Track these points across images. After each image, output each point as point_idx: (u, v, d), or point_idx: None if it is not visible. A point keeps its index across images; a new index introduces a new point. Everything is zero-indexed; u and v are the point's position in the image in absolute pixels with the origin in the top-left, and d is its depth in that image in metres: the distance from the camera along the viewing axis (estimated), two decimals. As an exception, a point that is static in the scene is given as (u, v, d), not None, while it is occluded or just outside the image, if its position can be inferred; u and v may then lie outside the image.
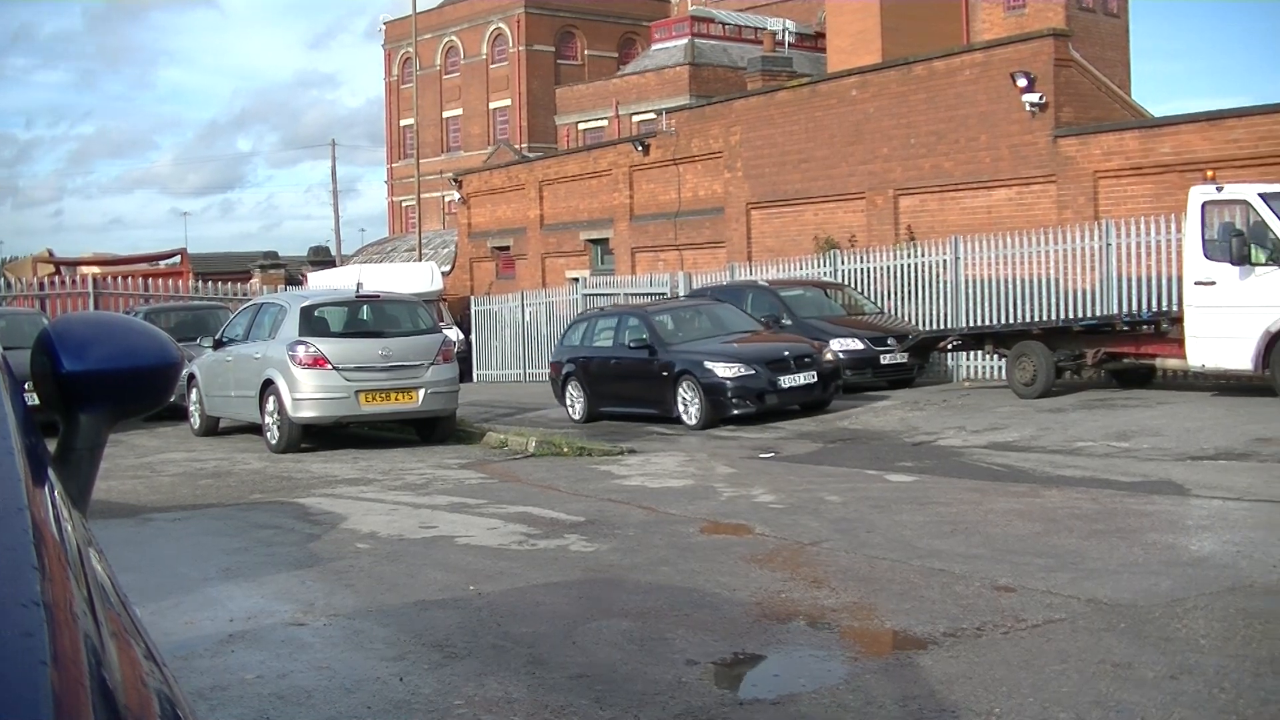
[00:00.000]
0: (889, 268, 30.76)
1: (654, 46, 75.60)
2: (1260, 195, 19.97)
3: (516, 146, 75.40)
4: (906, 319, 29.41)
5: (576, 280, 42.26)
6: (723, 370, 22.79)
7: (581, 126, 75.54)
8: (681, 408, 23.24)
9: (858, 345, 26.17)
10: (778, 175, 38.88)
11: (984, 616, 8.29)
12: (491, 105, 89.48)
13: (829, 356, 23.81)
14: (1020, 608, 8.46)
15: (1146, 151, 29.08)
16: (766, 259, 36.79)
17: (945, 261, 29.22)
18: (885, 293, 30.46)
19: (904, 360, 26.34)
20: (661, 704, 6.90)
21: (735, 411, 22.72)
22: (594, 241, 47.33)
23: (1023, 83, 31.27)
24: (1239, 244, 19.42)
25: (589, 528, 12.76)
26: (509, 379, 42.00)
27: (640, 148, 44.59)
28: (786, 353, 23.22)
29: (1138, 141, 29.44)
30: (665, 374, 23.72)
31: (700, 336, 24.63)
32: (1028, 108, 31.39)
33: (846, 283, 31.03)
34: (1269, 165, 25.64)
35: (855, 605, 8.96)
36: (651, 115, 66.10)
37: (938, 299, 29.18)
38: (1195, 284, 20.25)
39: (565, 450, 19.58)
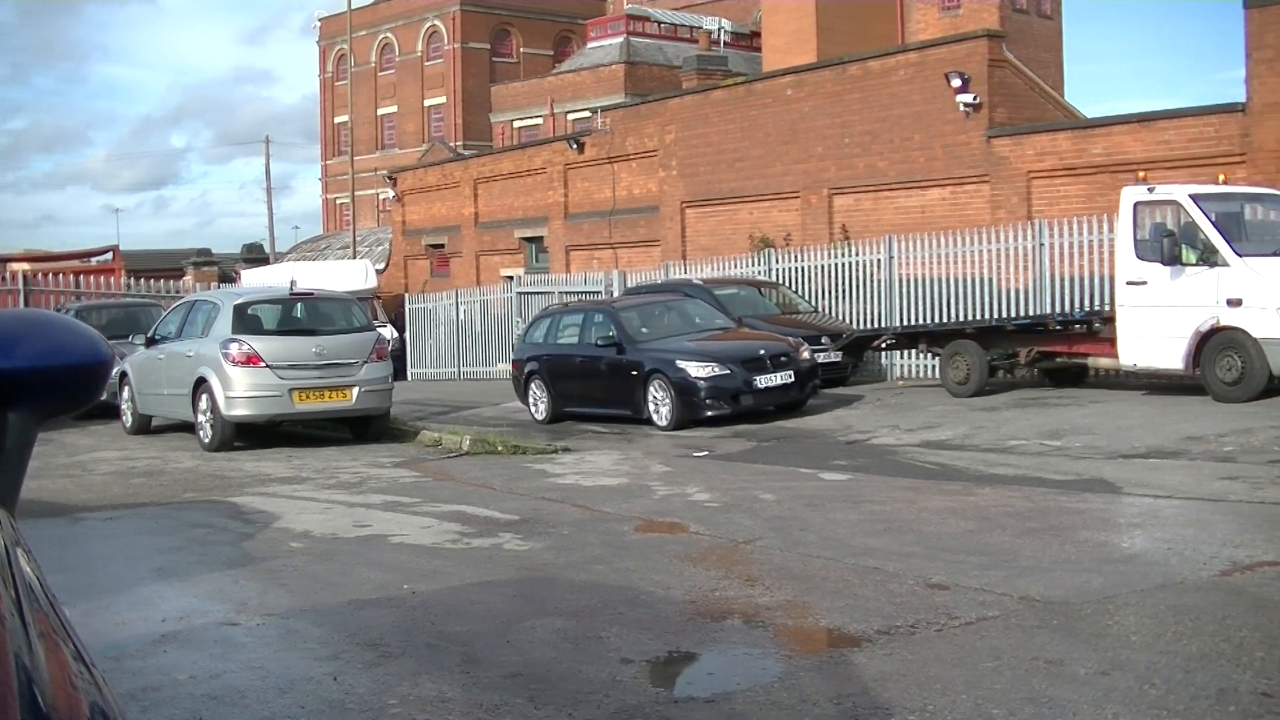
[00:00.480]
0: (823, 267, 30.83)
1: (590, 45, 75.57)
2: (1191, 196, 20.11)
3: (451, 144, 75.20)
4: (841, 318, 29.48)
5: (511, 278, 42.21)
6: (696, 369, 21.92)
7: (517, 124, 75.48)
8: (652, 408, 22.33)
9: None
10: (713, 174, 38.91)
11: (918, 614, 8.31)
12: (427, 102, 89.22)
13: (805, 355, 22.92)
14: (954, 605, 8.49)
15: (1079, 152, 29.25)
16: (701, 258, 36.83)
17: (879, 261, 29.31)
18: (820, 292, 30.52)
19: (838, 359, 26.38)
20: (596, 703, 6.89)
21: (709, 413, 21.84)
22: (529, 240, 47.25)
23: (957, 83, 31.39)
24: (1170, 244, 19.55)
25: (524, 526, 12.74)
26: (443, 377, 41.91)
27: (575, 146, 44.55)
28: (762, 351, 22.36)
29: (1070, 142, 29.61)
30: (634, 373, 22.80)
31: (671, 334, 23.75)
32: (962, 108, 31.51)
33: (781, 282, 31.08)
34: (1199, 166, 25.82)
35: (790, 603, 8.97)
36: (587, 113, 66.07)
37: (872, 298, 29.27)
38: (1127, 284, 20.38)
39: (500, 449, 19.54)
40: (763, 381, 21.87)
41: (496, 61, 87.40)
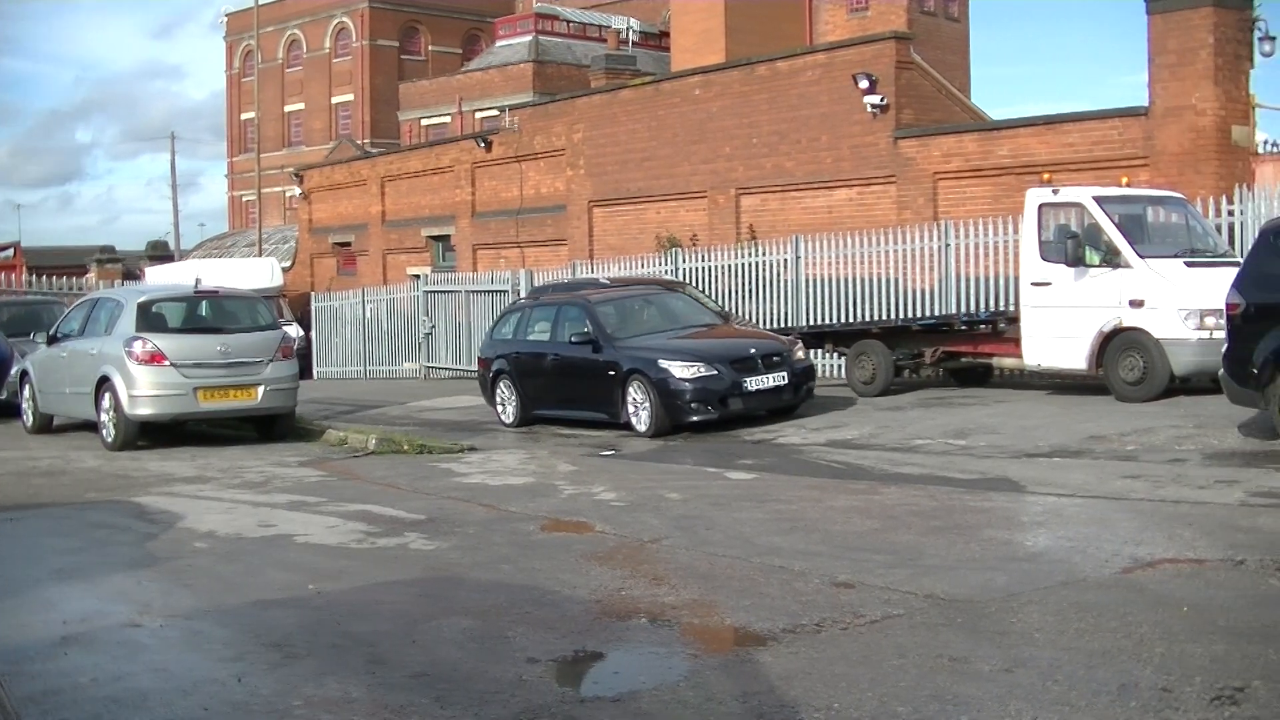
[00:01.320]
0: (730, 266, 30.89)
1: (498, 43, 75.42)
2: (1095, 198, 20.31)
3: (359, 142, 75.02)
4: (748, 318, 29.53)
5: (418, 277, 42.08)
6: (680, 370, 19.99)
7: (425, 122, 75.22)
8: (631, 412, 20.48)
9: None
10: (620, 173, 38.92)
11: (823, 612, 8.34)
12: (334, 100, 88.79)
13: (800, 354, 21.42)
14: (859, 604, 8.53)
15: (985, 154, 29.47)
16: (609, 257, 36.87)
17: (786, 260, 29.40)
18: (726, 291, 30.56)
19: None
20: (502, 702, 6.87)
21: (694, 418, 19.95)
22: (436, 238, 47.11)
23: (864, 84, 31.56)
24: (1074, 246, 19.73)
25: (430, 526, 12.69)
26: (350, 376, 41.72)
27: (483, 144, 44.47)
28: (753, 350, 20.56)
29: (977, 144, 29.83)
30: (612, 373, 20.85)
31: (652, 330, 22.02)
32: (869, 109, 31.68)
33: (688, 281, 31.10)
34: (1103, 169, 26.07)
35: (696, 602, 8.98)
36: (495, 112, 65.87)
37: (778, 298, 29.35)
38: (1031, 284, 20.55)
39: (406, 448, 19.45)
40: (754, 384, 20.15)
41: (405, 59, 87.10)
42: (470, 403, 27.42)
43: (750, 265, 30.33)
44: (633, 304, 23.12)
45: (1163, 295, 18.95)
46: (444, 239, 46.72)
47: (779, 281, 29.60)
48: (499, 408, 23.58)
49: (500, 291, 35.62)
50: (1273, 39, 26.83)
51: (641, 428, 20.27)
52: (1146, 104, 26.58)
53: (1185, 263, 19.52)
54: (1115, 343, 19.41)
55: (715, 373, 19.99)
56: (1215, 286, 16.75)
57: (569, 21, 73.57)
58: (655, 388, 20.08)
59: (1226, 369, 14.86)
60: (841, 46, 34.70)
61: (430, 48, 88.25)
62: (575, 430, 21.44)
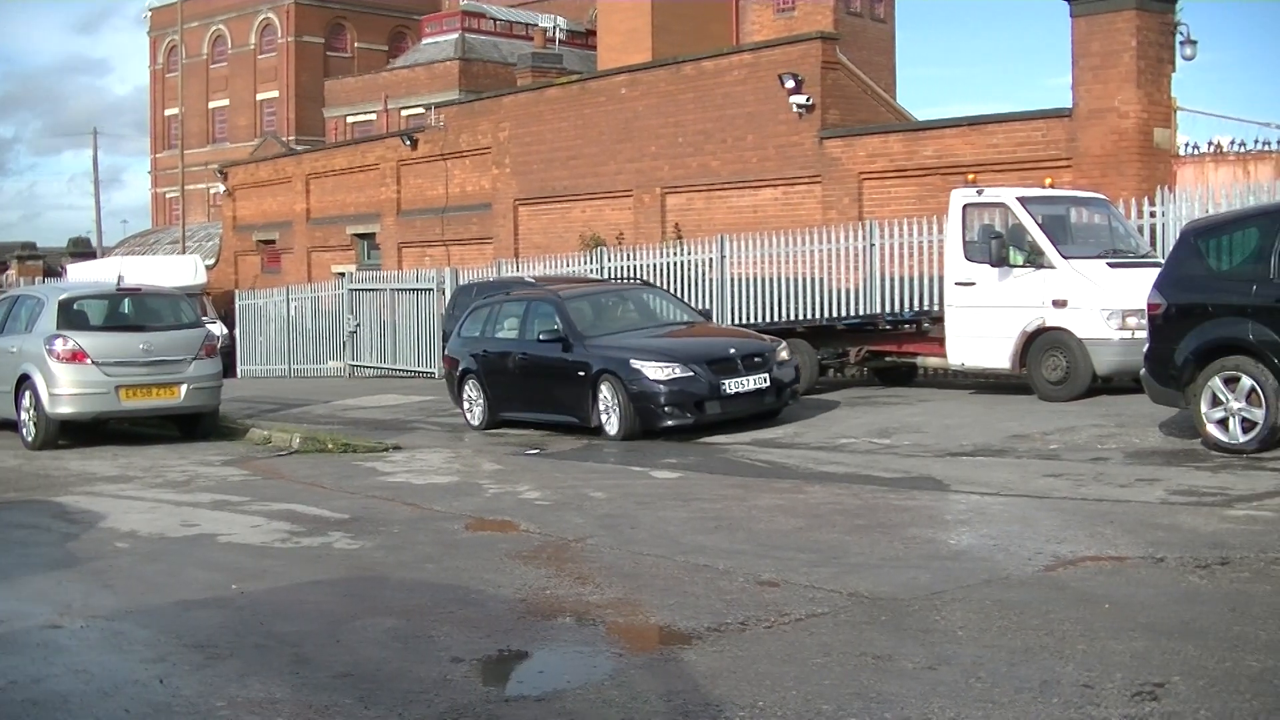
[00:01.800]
0: (656, 265, 30.90)
1: (424, 40, 75.26)
2: (1019, 199, 20.41)
3: (284, 139, 74.57)
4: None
5: (343, 275, 41.96)
6: (654, 371, 18.81)
7: (350, 120, 75.03)
8: (602, 416, 19.40)
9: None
10: (546, 172, 38.89)
11: (748, 611, 8.35)
12: (259, 96, 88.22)
13: (784, 355, 19.91)
14: (783, 602, 8.54)
15: (910, 154, 29.60)
16: (534, 255, 36.83)
17: (711, 260, 29.44)
18: (654, 290, 30.55)
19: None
20: (427, 702, 6.84)
21: (668, 423, 18.82)
22: (361, 236, 46.96)
23: (790, 84, 31.62)
24: (998, 246, 19.82)
25: (354, 525, 12.63)
26: (274, 374, 41.53)
27: (409, 142, 44.36)
28: (733, 350, 19.35)
29: (902, 144, 29.95)
30: (581, 374, 19.71)
31: (625, 328, 20.92)
32: (795, 109, 31.75)
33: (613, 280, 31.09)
34: (1027, 170, 26.22)
35: (620, 601, 8.98)
36: (421, 110, 65.75)
37: (704, 297, 29.36)
38: (956, 284, 20.64)
39: (330, 446, 19.35)
40: (732, 386, 18.89)
41: (331, 56, 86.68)
42: (395, 401, 27.35)
43: (675, 265, 30.37)
44: (607, 300, 22.12)
45: (1085, 295, 19.06)
46: (369, 237, 46.57)
47: (704, 281, 29.64)
48: (466, 410, 22.41)
49: (426, 290, 35.57)
50: (1194, 43, 27.04)
51: (612, 431, 19.23)
52: (1070, 106, 26.76)
53: (1108, 263, 19.64)
54: (1038, 342, 19.51)
55: (691, 374, 18.82)
56: (1137, 287, 16.87)
57: (496, 19, 73.52)
58: (627, 389, 18.94)
59: (1148, 369, 14.98)
60: (768, 46, 34.79)
61: (356, 44, 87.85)
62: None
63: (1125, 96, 25.86)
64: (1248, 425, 13.85)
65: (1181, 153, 26.94)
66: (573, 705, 6.69)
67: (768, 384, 19.22)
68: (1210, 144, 27.30)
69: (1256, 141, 26.63)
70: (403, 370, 36.32)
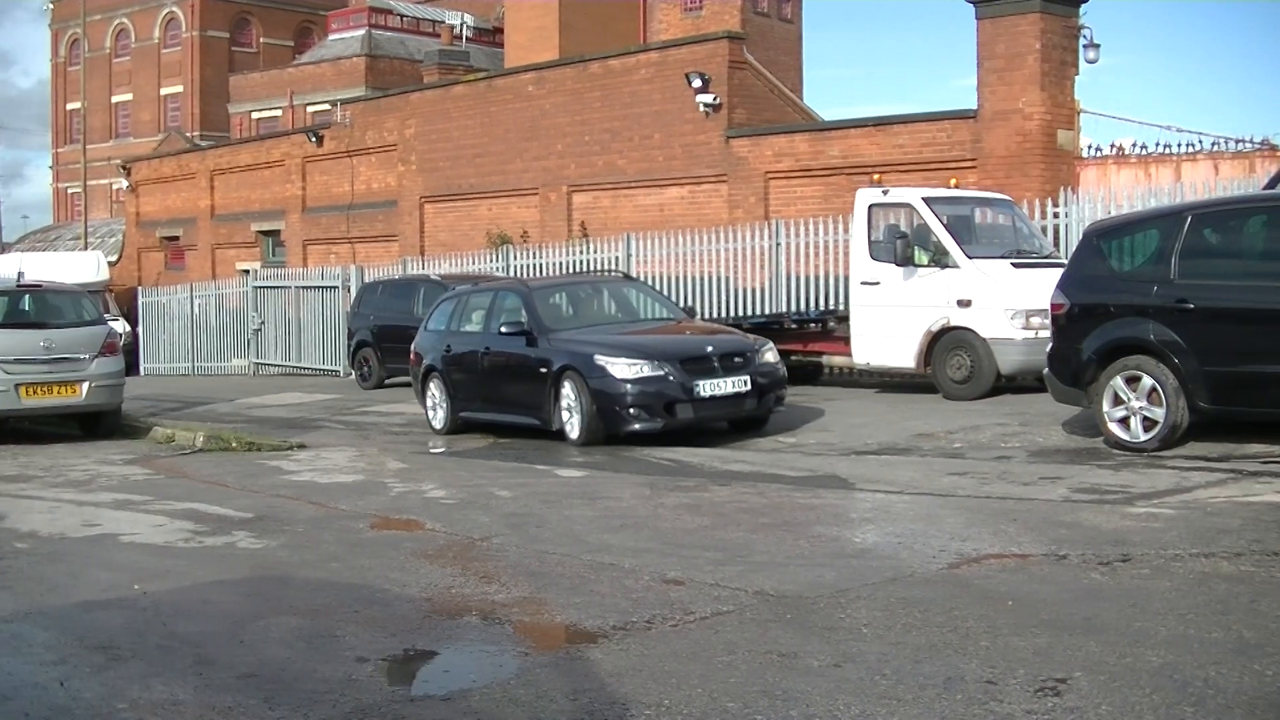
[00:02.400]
0: (561, 264, 30.93)
1: (331, 37, 74.86)
2: (924, 199, 20.53)
3: (188, 134, 73.93)
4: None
5: (247, 272, 41.71)
6: (619, 368, 17.27)
7: (255, 116, 74.50)
8: (565, 417, 17.86)
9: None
10: (452, 169, 38.80)
11: (653, 609, 8.34)
12: (163, 91, 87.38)
13: (769, 357, 18.15)
14: (689, 600, 8.53)
15: (816, 154, 29.72)
16: (440, 253, 36.76)
17: (618, 258, 29.48)
18: (559, 288, 30.52)
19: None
20: (332, 702, 6.78)
21: (635, 426, 17.24)
22: (266, 233, 46.72)
23: (697, 83, 31.72)
24: (903, 246, 19.93)
25: (258, 524, 12.52)
26: (178, 372, 41.24)
27: (314, 139, 44.15)
28: (710, 349, 17.73)
29: (808, 144, 30.08)
30: (543, 370, 18.11)
31: (599, 323, 19.48)
32: (702, 108, 31.84)
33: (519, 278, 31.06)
34: (932, 170, 26.42)
35: (526, 600, 8.94)
36: (327, 106, 65.34)
37: (611, 296, 29.34)
38: (861, 284, 20.73)
39: (234, 445, 19.22)
40: (707, 388, 17.23)
41: (236, 51, 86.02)
42: (300, 399, 27.20)
43: (582, 263, 30.37)
44: (580, 293, 20.69)
45: (990, 295, 19.20)
46: (274, 234, 46.34)
47: (612, 279, 29.62)
48: (429, 411, 20.79)
49: (331, 288, 35.45)
50: (1097, 46, 27.32)
51: (574, 435, 17.74)
52: (975, 107, 26.96)
53: (1012, 264, 19.79)
54: (943, 342, 19.64)
55: (661, 373, 17.20)
56: (1041, 287, 17.02)
57: (403, 16, 73.23)
58: (589, 388, 17.40)
59: (1051, 368, 15.10)
60: (675, 45, 34.86)
61: (262, 40, 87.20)
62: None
63: (1029, 98, 26.09)
64: (1149, 424, 13.99)
65: (1085, 155, 27.21)
66: (479, 704, 6.65)
67: (748, 387, 17.57)
68: (1113, 146, 27.61)
69: (1157, 144, 26.95)
70: (308, 368, 36.15)
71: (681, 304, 23.81)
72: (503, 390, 19.38)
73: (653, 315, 19.95)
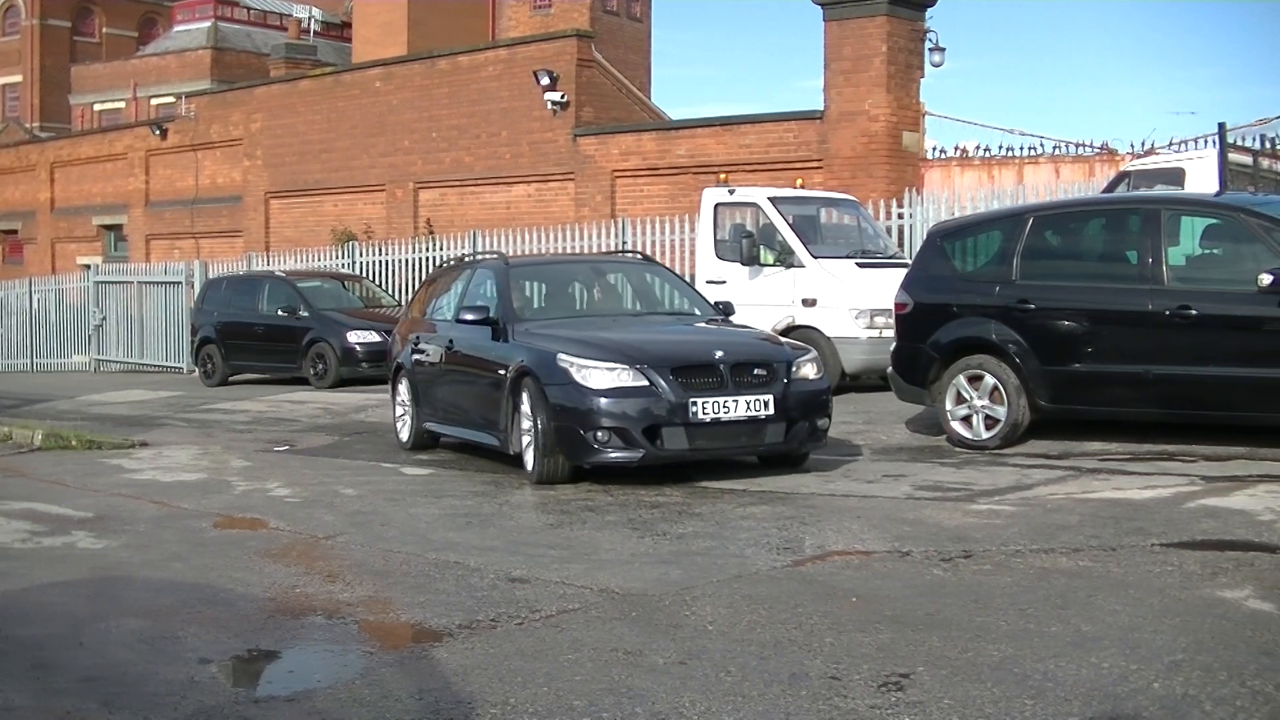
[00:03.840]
0: (407, 261, 30.83)
1: (176, 28, 74.00)
2: (770, 199, 20.67)
3: (27, 125, 72.73)
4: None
5: (89, 267, 41.12)
6: (587, 373, 12.83)
7: (98, 107, 73.42)
8: (522, 439, 13.65)
9: (375, 338, 26.02)
10: (298, 165, 38.52)
11: (499, 608, 8.31)
12: (1, 81, 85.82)
13: (810, 370, 13.47)
14: (534, 599, 8.51)
15: (663, 153, 29.84)
16: (285, 249, 36.46)
17: (462, 256, 29.39)
18: (405, 286, 30.46)
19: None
20: (174, 704, 6.68)
21: (608, 456, 12.80)
22: (108, 227, 46.09)
23: (545, 81, 31.75)
24: (749, 245, 20.04)
25: (98, 524, 12.31)
26: (15, 369, 40.53)
27: (158, 132, 43.65)
28: (719, 354, 13.05)
29: (655, 143, 30.19)
30: (501, 372, 14.00)
31: (597, 313, 15.61)
32: (549, 106, 31.87)
33: (364, 275, 30.93)
34: (779, 170, 26.62)
35: (371, 599, 8.88)
36: (171, 99, 64.62)
37: (458, 293, 29.28)
38: (707, 283, 20.77)
39: (74, 443, 18.88)
40: (708, 408, 12.66)
41: (78, 40, 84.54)
42: (142, 396, 26.82)
43: (428, 260, 30.29)
44: (573, 274, 17.10)
45: (835, 295, 19.35)
46: (117, 228, 45.76)
47: (460, 276, 29.55)
48: (396, 421, 17.34)
49: (174, 283, 34.96)
50: (942, 50, 27.68)
51: (529, 465, 13.54)
52: (822, 108, 27.18)
53: (857, 263, 19.96)
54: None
55: (645, 383, 12.72)
56: (885, 287, 17.20)
57: (250, 8, 72.51)
58: (548, 401, 12.98)
59: (895, 367, 15.26)
60: (523, 43, 34.89)
61: (105, 30, 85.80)
62: (254, 427, 20.86)
63: (875, 100, 26.36)
64: (990, 422, 14.20)
65: (929, 156, 27.56)
66: (323, 704, 6.59)
67: (770, 410, 12.92)
68: (957, 148, 28.03)
69: (1001, 147, 27.46)
70: (151, 365, 35.66)
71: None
72: (461, 398, 15.56)
73: (665, 307, 15.95)
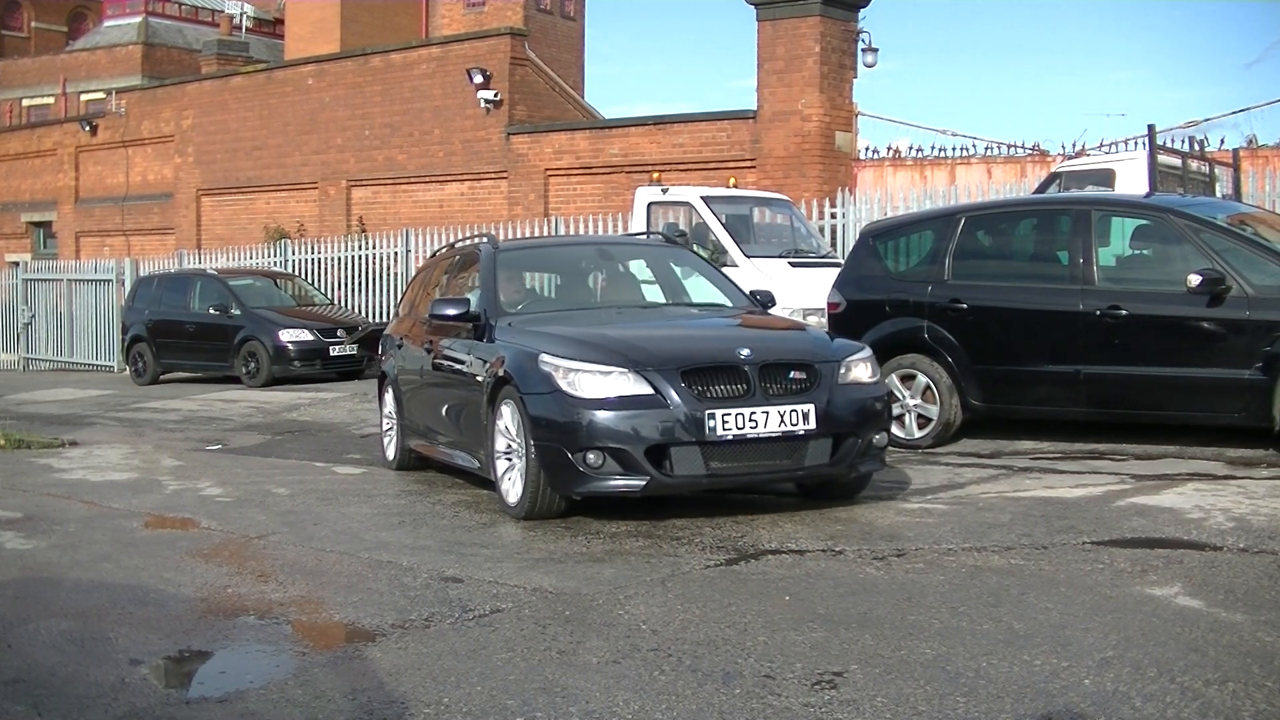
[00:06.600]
0: (340, 259, 30.74)
1: (106, 23, 73.30)
2: (703, 198, 20.72)
3: (-46, 121, 72.02)
4: (357, 310, 29.40)
5: (17, 264, 40.81)
6: (581, 380, 10.37)
7: (26, 103, 72.67)
8: (501, 462, 11.32)
9: (307, 336, 25.98)
10: (230, 162, 38.34)
11: (432, 607, 8.29)
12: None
13: (862, 373, 10.96)
14: (468, 598, 8.49)
15: (596, 152, 29.85)
16: (217, 247, 36.35)
17: (397, 254, 29.40)
18: (336, 283, 30.41)
19: (353, 352, 26.25)
20: (104, 706, 6.62)
21: (606, 484, 10.38)
22: (36, 224, 45.76)
23: (478, 79, 31.73)
24: (682, 244, 20.05)
25: (26, 524, 12.20)
26: (-59, 366, 40.14)
27: (88, 128, 43.35)
28: (744, 352, 10.45)
29: (588, 142, 30.20)
30: (480, 379, 11.70)
31: (605, 305, 12.90)
32: (482, 104, 31.85)
33: (297, 273, 30.82)
34: (712, 170, 26.69)
35: (303, 599, 8.84)
36: (101, 95, 64.01)
37: (389, 290, 29.30)
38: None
39: (2, 443, 18.72)
40: (729, 422, 10.14)
41: (5, 35, 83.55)
42: (72, 395, 26.65)
43: (360, 258, 30.24)
44: (576, 257, 14.39)
45: (767, 294, 19.37)
46: (45, 225, 45.41)
47: (389, 275, 29.55)
48: (383, 437, 15.38)
49: (105, 281, 34.77)
50: (875, 50, 27.79)
51: (510, 498, 11.18)
52: (755, 108, 27.24)
53: (789, 263, 20.03)
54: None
55: (650, 391, 10.25)
56: (817, 286, 17.26)
57: (181, 4, 71.94)
58: (529, 413, 10.60)
59: (827, 367, 15.31)
60: (456, 41, 34.85)
61: (33, 24, 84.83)
62: (185, 426, 20.72)
63: (808, 100, 26.44)
64: (923, 421, 14.30)
65: (862, 156, 27.67)
66: (255, 705, 6.56)
67: (811, 425, 10.37)
68: (889, 149, 28.19)
69: (933, 148, 27.64)
70: (81, 363, 35.47)
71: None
72: (440, 411, 13.15)
73: (698, 300, 13.22)
